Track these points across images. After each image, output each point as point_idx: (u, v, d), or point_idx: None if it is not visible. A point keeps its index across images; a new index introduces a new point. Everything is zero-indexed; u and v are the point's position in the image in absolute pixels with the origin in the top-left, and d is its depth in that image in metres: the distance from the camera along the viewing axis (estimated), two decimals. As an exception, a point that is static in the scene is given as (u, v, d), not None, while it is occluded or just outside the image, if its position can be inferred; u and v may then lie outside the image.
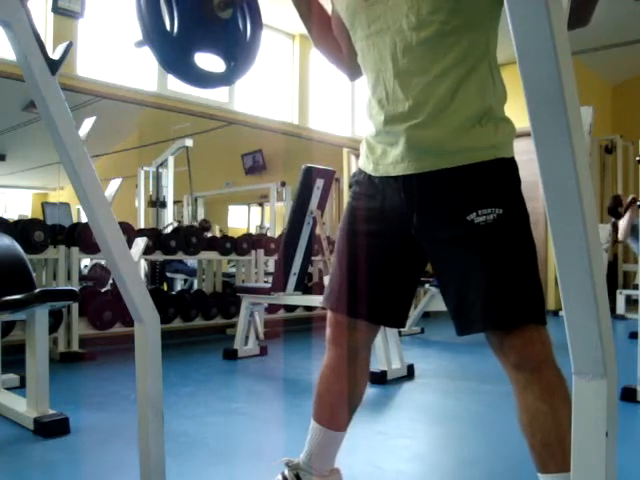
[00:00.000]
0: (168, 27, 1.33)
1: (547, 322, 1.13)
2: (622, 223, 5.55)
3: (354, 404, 1.40)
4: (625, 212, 5.46)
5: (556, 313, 6.59)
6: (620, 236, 5.71)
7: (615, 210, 5.70)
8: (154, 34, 1.31)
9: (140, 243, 3.63)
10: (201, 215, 6.16)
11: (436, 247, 1.23)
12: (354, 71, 1.44)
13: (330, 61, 1.49)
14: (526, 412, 1.13)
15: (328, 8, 1.43)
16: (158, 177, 5.48)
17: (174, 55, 1.36)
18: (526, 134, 0.78)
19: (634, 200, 5.36)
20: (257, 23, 1.53)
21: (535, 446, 1.13)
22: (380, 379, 3.06)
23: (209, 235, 5.29)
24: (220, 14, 1.42)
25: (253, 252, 4.85)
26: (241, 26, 1.50)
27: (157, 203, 5.45)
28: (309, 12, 1.42)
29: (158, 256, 4.38)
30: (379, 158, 1.27)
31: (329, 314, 1.38)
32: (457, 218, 1.17)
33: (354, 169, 6.25)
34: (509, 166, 1.20)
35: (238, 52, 1.48)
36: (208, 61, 1.41)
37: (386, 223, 1.27)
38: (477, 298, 1.15)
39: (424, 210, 1.22)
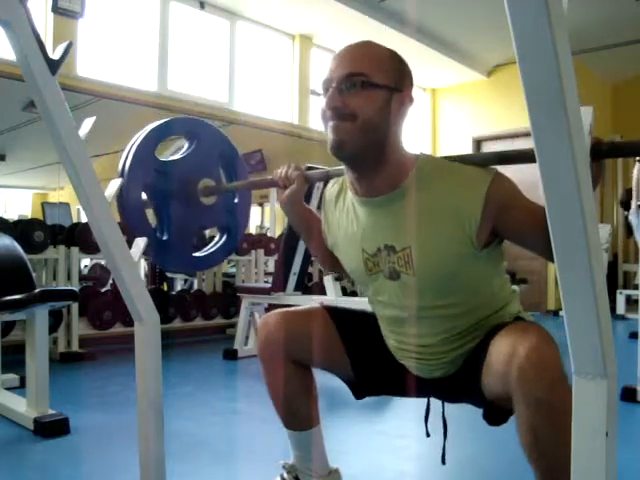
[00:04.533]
0: (160, 236, 1.42)
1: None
2: (635, 218, 5.49)
3: (315, 398, 1.40)
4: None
5: (556, 313, 6.59)
6: (637, 234, 5.65)
7: (628, 203, 5.67)
8: (151, 249, 1.41)
9: (140, 243, 3.63)
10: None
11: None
12: (340, 273, 1.54)
13: (324, 266, 1.52)
14: (531, 432, 1.04)
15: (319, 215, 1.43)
16: (158, 177, 5.47)
17: (171, 259, 1.45)
18: (526, 134, 0.77)
19: None
20: (243, 197, 1.61)
21: (539, 468, 1.06)
22: (380, 379, 3.05)
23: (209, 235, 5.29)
24: (204, 201, 1.50)
25: (253, 252, 4.85)
26: (228, 199, 1.58)
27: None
28: (302, 225, 1.44)
29: (158, 256, 4.37)
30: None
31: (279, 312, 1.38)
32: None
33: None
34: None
35: (230, 223, 1.57)
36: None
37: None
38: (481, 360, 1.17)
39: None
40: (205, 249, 1.58)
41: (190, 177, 1.54)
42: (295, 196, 1.37)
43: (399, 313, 1.24)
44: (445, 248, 1.13)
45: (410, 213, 1.16)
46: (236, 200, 1.62)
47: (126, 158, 1.49)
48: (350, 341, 1.34)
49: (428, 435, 1.37)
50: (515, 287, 1.28)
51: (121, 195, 1.44)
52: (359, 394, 1.39)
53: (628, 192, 5.77)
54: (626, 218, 5.68)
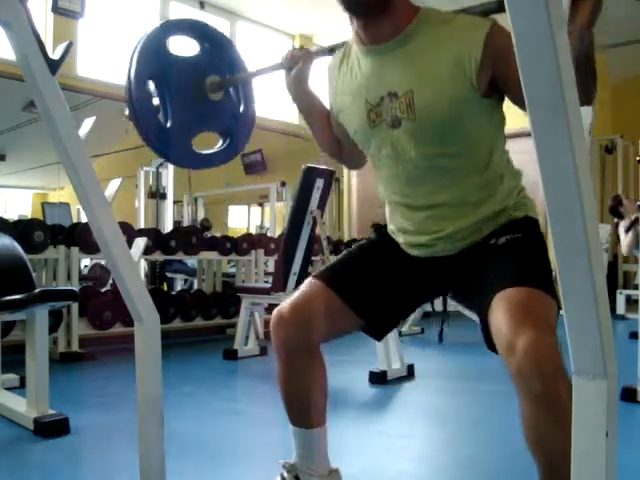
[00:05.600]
0: (163, 122, 1.39)
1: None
2: (624, 238, 5.50)
3: (324, 397, 1.39)
4: (629, 229, 5.43)
5: (556, 313, 6.59)
6: (624, 251, 5.69)
7: (616, 210, 5.67)
8: (151, 132, 1.38)
9: (140, 243, 3.64)
10: (201, 215, 6.16)
11: (460, 276, 1.30)
12: (352, 164, 1.58)
13: (328, 153, 1.56)
14: (534, 429, 1.06)
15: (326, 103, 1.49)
16: (158, 177, 5.48)
17: (172, 149, 1.43)
18: (526, 134, 0.78)
19: (637, 219, 5.34)
20: (249, 99, 1.59)
21: (541, 464, 1.08)
22: (380, 379, 3.06)
23: (209, 235, 5.29)
24: (211, 96, 1.49)
25: (253, 252, 4.85)
26: (234, 103, 1.56)
27: (157, 195, 5.43)
28: (308, 108, 1.50)
29: (158, 256, 4.38)
30: (404, 243, 1.36)
31: (310, 290, 1.35)
32: (480, 247, 1.26)
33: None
34: (529, 218, 1.28)
35: (233, 129, 1.55)
36: (207, 139, 1.51)
37: (401, 270, 1.36)
38: (493, 280, 1.17)
39: (449, 268, 1.31)
40: (207, 150, 1.57)
41: (198, 72, 1.55)
42: (301, 75, 1.47)
43: (402, 168, 1.27)
44: (446, 90, 1.17)
45: (413, 57, 1.21)
46: (242, 109, 1.61)
47: (137, 44, 1.48)
48: (349, 294, 1.33)
49: (441, 340, 1.47)
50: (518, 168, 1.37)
51: (128, 78, 1.42)
52: (379, 335, 1.42)
53: (616, 198, 5.76)
54: (616, 225, 5.67)
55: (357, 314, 1.35)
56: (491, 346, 1.14)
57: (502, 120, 1.29)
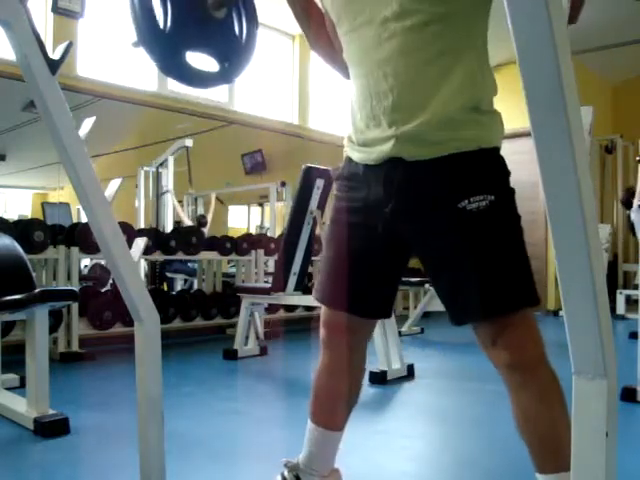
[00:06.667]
0: (161, 26, 1.31)
1: (539, 302, 1.14)
2: (637, 216, 5.45)
3: (351, 404, 1.40)
4: None
5: (556, 313, 6.59)
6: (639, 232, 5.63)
7: (629, 202, 5.66)
8: (147, 33, 1.30)
9: (140, 243, 3.64)
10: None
11: (422, 236, 1.22)
12: (347, 72, 1.44)
13: (326, 61, 1.50)
14: (522, 413, 1.13)
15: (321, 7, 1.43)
16: (158, 177, 5.48)
17: (166, 54, 1.34)
18: (526, 134, 0.78)
19: None
20: (252, 22, 1.51)
21: (532, 447, 1.13)
22: (380, 379, 3.06)
23: (205, 230, 5.29)
24: (214, 13, 1.41)
25: (253, 252, 4.85)
26: (236, 26, 1.48)
27: (157, 193, 5.43)
28: (304, 12, 1.42)
29: (158, 256, 4.38)
30: (365, 147, 1.27)
31: (323, 310, 1.38)
32: (446, 205, 1.17)
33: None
34: (495, 156, 1.20)
35: (232, 53, 1.47)
36: (204, 61, 1.41)
37: (369, 214, 1.27)
38: (472, 285, 1.14)
39: (404, 199, 1.21)
40: (205, 68, 1.51)
41: None
42: None
43: (374, 33, 1.19)
44: None
45: None
46: (244, 33, 1.54)
47: None
48: (352, 306, 1.33)
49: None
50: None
51: None
52: (375, 315, 1.39)
53: (629, 191, 5.76)
54: (629, 217, 5.65)
55: (365, 317, 1.36)
56: (457, 321, 1.19)
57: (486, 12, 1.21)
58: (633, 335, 4.27)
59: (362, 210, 1.28)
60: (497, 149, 1.21)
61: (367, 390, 2.98)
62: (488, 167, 1.19)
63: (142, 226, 5.06)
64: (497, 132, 1.22)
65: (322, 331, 1.38)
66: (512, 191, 1.19)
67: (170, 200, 5.48)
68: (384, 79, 1.20)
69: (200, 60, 1.38)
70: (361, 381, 1.43)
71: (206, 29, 1.41)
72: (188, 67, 1.37)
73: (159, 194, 5.44)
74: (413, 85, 1.17)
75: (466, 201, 1.14)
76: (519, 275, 1.14)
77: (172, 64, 1.38)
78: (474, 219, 1.14)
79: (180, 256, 4.53)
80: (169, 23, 1.32)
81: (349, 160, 1.34)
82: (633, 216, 5.49)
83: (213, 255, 4.67)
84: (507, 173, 1.21)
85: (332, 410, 1.39)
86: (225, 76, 1.47)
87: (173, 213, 5.57)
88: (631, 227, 5.64)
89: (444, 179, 1.18)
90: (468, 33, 1.19)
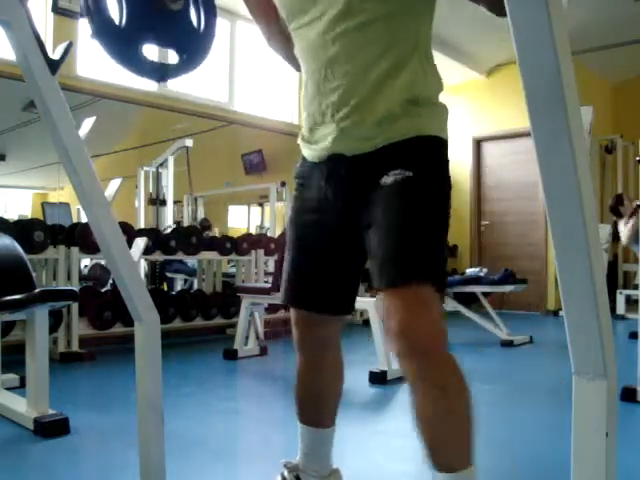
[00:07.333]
0: (116, 20, 1.30)
1: (444, 287, 1.14)
2: (624, 228, 5.48)
3: (334, 400, 1.42)
4: (630, 217, 5.40)
5: (556, 313, 6.58)
6: (623, 241, 5.66)
7: (617, 209, 5.67)
8: (101, 26, 1.28)
9: (140, 243, 3.63)
10: (201, 215, 6.15)
11: (362, 222, 1.23)
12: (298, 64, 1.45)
13: (280, 55, 1.50)
14: (419, 407, 1.12)
15: None
16: (158, 177, 5.48)
17: (122, 48, 1.32)
18: (526, 134, 0.78)
19: (638, 208, 5.31)
20: (210, 12, 1.49)
21: (430, 444, 1.11)
22: (380, 379, 3.06)
23: (210, 234, 5.29)
24: (170, 5, 1.39)
25: (253, 252, 4.85)
26: (194, 17, 1.47)
27: (157, 201, 5.45)
28: (257, 6, 1.43)
29: (158, 256, 4.38)
30: (313, 144, 1.29)
31: (291, 312, 1.39)
32: (373, 186, 1.19)
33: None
34: (429, 142, 1.21)
35: (190, 44, 1.45)
36: (163, 53, 1.39)
37: (323, 213, 1.29)
38: (377, 255, 1.15)
39: (349, 194, 1.24)
40: (164, 61, 1.49)
41: None
42: None
43: (321, 30, 1.20)
44: None
45: None
46: (202, 24, 1.53)
47: None
48: (315, 304, 1.35)
49: None
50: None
51: None
52: (346, 309, 1.39)
53: (618, 197, 5.74)
54: (615, 223, 5.64)
55: (333, 314, 1.36)
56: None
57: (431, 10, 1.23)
58: (633, 335, 4.27)
59: (316, 209, 1.30)
60: (437, 138, 1.22)
61: (367, 390, 2.98)
62: (416, 149, 1.19)
63: (142, 226, 5.06)
64: (437, 122, 1.23)
65: (293, 332, 1.39)
66: (440, 175, 1.20)
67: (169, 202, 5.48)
68: (331, 76, 1.21)
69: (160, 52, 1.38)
70: (341, 376, 1.43)
71: (163, 21, 1.39)
72: (145, 60, 1.35)
73: (159, 201, 5.44)
74: (356, 83, 1.19)
75: (385, 176, 1.17)
76: (420, 250, 1.12)
77: (128, 58, 1.35)
78: (387, 191, 1.16)
79: (180, 256, 4.53)
80: (124, 17, 1.30)
81: (303, 158, 1.36)
82: (621, 227, 5.50)
83: (213, 255, 4.68)
84: (439, 156, 1.21)
85: (315, 408, 1.40)
86: (184, 67, 1.45)
87: (173, 214, 5.57)
88: (616, 235, 5.64)
89: (377, 166, 1.19)
90: (411, 33, 1.21)
